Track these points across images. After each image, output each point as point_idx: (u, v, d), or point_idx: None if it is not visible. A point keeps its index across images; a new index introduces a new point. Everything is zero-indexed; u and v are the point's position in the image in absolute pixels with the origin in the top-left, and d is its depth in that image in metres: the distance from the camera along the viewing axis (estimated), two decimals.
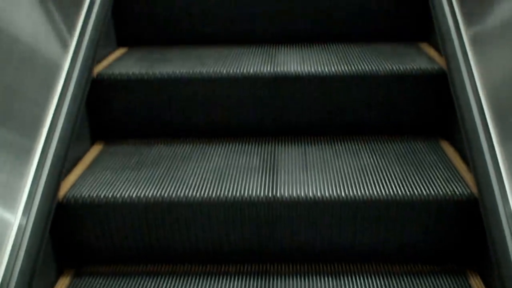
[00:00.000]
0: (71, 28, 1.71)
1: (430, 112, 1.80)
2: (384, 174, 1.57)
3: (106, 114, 1.82)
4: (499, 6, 1.47)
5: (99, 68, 1.82)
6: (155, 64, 1.86)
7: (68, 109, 1.57)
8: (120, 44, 2.11)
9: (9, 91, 1.34)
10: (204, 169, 1.62)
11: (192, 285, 1.49)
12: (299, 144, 1.78)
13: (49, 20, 1.58)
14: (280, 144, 1.79)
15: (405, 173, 1.57)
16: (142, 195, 1.48)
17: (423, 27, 2.06)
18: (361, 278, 1.49)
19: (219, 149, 1.76)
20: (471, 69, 1.57)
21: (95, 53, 1.78)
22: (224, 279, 1.50)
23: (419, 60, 1.84)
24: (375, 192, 1.47)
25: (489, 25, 1.52)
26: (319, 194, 1.47)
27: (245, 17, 2.08)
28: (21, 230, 1.29)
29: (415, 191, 1.47)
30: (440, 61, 1.81)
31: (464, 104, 1.55)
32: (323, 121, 1.81)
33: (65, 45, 1.66)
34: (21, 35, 1.42)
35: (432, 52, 1.93)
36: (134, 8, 2.08)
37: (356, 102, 1.79)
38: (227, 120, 1.82)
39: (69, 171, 1.61)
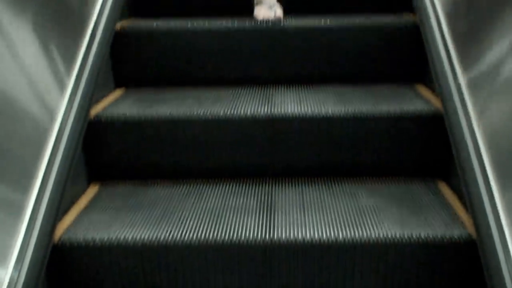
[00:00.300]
0: (68, 69, 1.72)
1: (427, 153, 1.80)
2: (382, 215, 1.56)
3: (103, 155, 1.82)
4: (495, 48, 1.48)
5: (96, 110, 1.83)
6: (152, 105, 1.87)
7: (64, 151, 1.56)
8: (117, 85, 2.13)
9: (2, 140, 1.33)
10: (201, 210, 1.62)
11: None
12: (297, 185, 1.78)
13: (47, 62, 1.59)
14: (277, 185, 1.79)
15: (403, 215, 1.56)
16: (138, 238, 1.47)
17: (419, 68, 2.08)
18: None
19: (216, 190, 1.75)
20: (467, 110, 1.58)
21: (92, 95, 1.79)
22: None
23: (416, 101, 1.86)
24: (373, 235, 1.45)
25: (485, 67, 1.54)
26: (316, 236, 1.46)
27: (242, 58, 2.10)
28: (12, 284, 1.27)
29: (413, 233, 1.46)
30: (436, 102, 1.82)
31: (461, 146, 1.55)
32: (320, 162, 1.81)
33: (62, 87, 1.66)
34: (17, 78, 1.43)
35: (428, 93, 1.95)
36: (132, 49, 2.10)
37: (353, 143, 1.79)
38: (225, 161, 1.81)
39: (65, 212, 1.60)
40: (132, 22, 2.20)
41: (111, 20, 2.02)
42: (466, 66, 1.65)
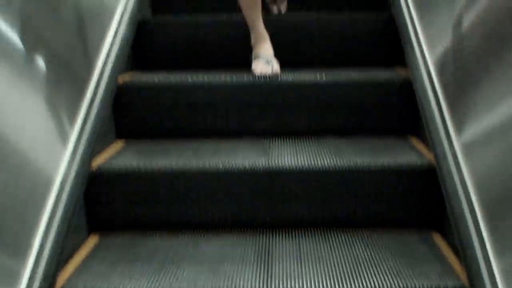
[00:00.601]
0: (71, 122, 1.77)
1: (421, 205, 1.83)
2: (378, 267, 1.58)
3: (103, 206, 1.85)
4: (485, 105, 1.53)
5: (98, 161, 1.87)
6: (153, 157, 1.91)
7: (65, 203, 1.60)
8: (118, 136, 2.17)
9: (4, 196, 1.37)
10: (199, 261, 1.64)
11: None
12: (293, 236, 1.80)
13: (50, 115, 1.64)
14: (274, 236, 1.81)
15: (398, 266, 1.59)
16: None
17: (413, 121, 2.14)
18: None
19: (214, 241, 1.78)
20: (459, 164, 1.62)
21: (94, 147, 1.83)
22: None
23: (409, 154, 1.90)
24: (369, 286, 1.48)
25: (476, 122, 1.59)
26: None
27: (241, 111, 2.15)
28: None
29: (409, 284, 1.48)
30: (429, 155, 1.87)
31: (454, 200, 1.59)
32: (317, 213, 1.84)
33: (65, 139, 1.71)
34: (22, 132, 1.47)
35: (421, 146, 2.00)
36: (133, 103, 2.15)
37: (349, 195, 1.82)
38: (223, 212, 1.84)
39: (65, 263, 1.62)
40: (134, 76, 2.26)
41: (113, 74, 2.09)
42: (458, 123, 1.70)
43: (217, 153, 1.95)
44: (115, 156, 1.96)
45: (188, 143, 2.08)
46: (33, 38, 1.56)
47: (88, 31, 1.99)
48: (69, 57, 1.81)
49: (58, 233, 1.54)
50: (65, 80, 1.76)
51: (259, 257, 1.66)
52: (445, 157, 1.69)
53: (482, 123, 1.53)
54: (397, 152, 1.93)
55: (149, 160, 1.88)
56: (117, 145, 2.10)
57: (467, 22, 1.68)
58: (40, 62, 1.60)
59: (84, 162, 1.75)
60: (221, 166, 1.81)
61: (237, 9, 2.34)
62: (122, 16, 2.31)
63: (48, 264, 1.46)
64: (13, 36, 1.44)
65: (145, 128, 2.17)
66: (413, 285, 1.48)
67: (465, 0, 1.70)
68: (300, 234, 1.81)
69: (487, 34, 1.53)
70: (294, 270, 1.57)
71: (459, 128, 1.68)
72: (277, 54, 2.30)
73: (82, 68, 1.92)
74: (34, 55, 1.57)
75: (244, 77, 2.16)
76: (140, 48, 2.49)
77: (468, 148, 1.60)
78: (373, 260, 1.63)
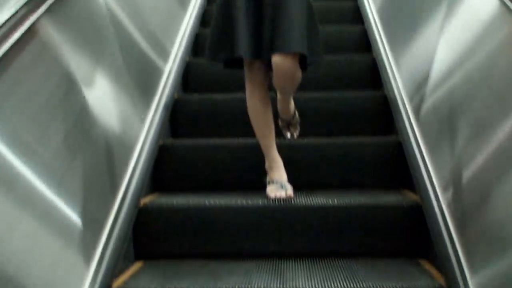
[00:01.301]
0: (94, 245, 1.84)
1: None
2: None
3: None
4: (495, 239, 1.58)
5: (117, 283, 1.92)
6: (170, 279, 1.96)
7: None
8: (137, 257, 2.23)
9: None
10: None
11: None
12: None
13: (75, 239, 1.72)
14: None
15: None
16: None
17: (423, 244, 2.19)
18: None
19: None
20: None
21: (114, 270, 1.89)
22: None
23: (420, 278, 1.94)
24: None
25: (487, 254, 1.64)
26: None
27: (256, 234, 2.22)
28: None
29: None
30: (440, 279, 1.91)
31: None
32: None
33: (87, 262, 1.78)
34: (46, 259, 1.55)
35: (432, 269, 2.04)
36: (153, 225, 2.23)
37: None
38: None
39: None
40: (154, 198, 2.36)
41: (135, 197, 2.19)
42: (469, 252, 1.74)
43: (233, 275, 2.00)
44: (134, 278, 2.01)
45: (205, 265, 2.13)
46: (63, 166, 1.67)
47: (113, 156, 2.11)
48: (95, 183, 1.92)
49: None
50: (91, 205, 1.86)
51: None
52: (456, 283, 1.73)
53: (493, 256, 1.58)
54: (409, 276, 1.97)
55: (167, 283, 1.93)
56: (136, 266, 2.15)
57: (472, 152, 1.78)
58: (70, 188, 1.70)
59: (104, 285, 1.80)
60: None
61: (253, 134, 2.48)
62: (144, 142, 2.45)
63: None
64: (46, 167, 1.56)
65: (164, 250, 2.24)
66: None
67: (469, 132, 1.82)
68: None
69: (491, 170, 1.62)
70: None
71: (470, 255, 1.73)
72: (289, 176, 2.39)
73: (107, 192, 2.03)
74: (64, 182, 1.68)
75: (259, 201, 2.25)
76: (160, 170, 2.60)
77: (479, 276, 1.65)
78: None
